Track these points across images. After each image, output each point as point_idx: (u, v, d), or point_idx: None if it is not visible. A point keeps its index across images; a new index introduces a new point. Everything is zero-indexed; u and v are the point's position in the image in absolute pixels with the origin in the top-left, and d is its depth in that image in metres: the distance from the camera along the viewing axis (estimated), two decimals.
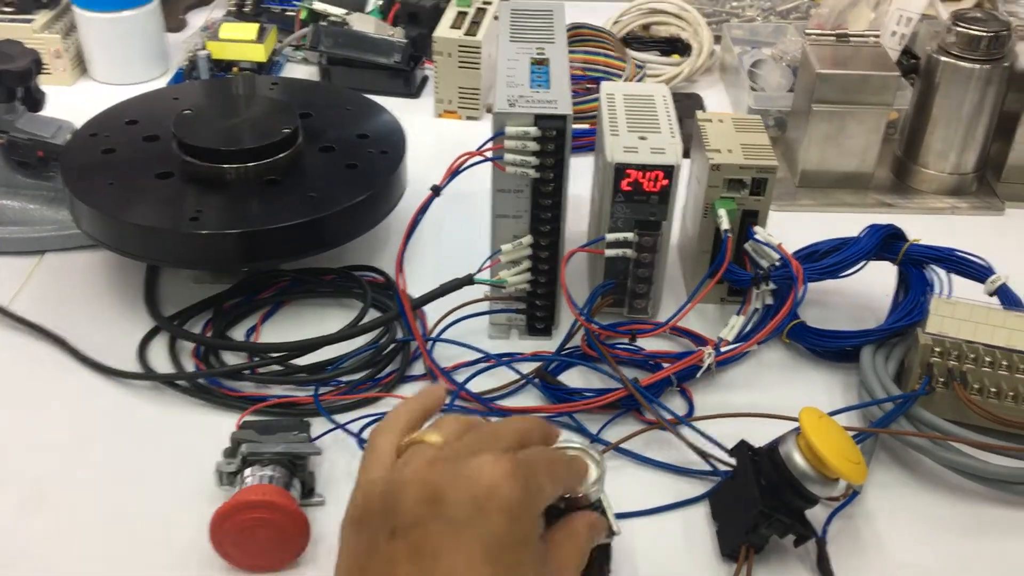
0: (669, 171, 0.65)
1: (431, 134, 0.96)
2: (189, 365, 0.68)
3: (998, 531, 0.58)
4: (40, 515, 0.58)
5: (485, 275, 0.67)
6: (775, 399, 0.66)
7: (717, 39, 1.09)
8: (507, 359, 0.68)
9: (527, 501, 0.40)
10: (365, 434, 0.61)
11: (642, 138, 0.67)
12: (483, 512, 0.38)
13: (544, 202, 0.65)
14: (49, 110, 0.84)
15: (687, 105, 0.96)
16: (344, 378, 0.66)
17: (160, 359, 0.68)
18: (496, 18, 0.91)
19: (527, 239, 0.66)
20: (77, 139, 0.77)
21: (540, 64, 0.68)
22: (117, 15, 1.01)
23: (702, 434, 0.62)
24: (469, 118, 1.00)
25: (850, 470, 0.51)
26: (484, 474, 0.39)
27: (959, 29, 0.82)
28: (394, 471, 0.41)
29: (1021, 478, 0.58)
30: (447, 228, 0.81)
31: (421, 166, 0.78)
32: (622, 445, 0.62)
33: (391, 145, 0.77)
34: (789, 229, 0.72)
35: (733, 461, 0.59)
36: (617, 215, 0.68)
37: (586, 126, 0.90)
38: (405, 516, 0.39)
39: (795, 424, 0.55)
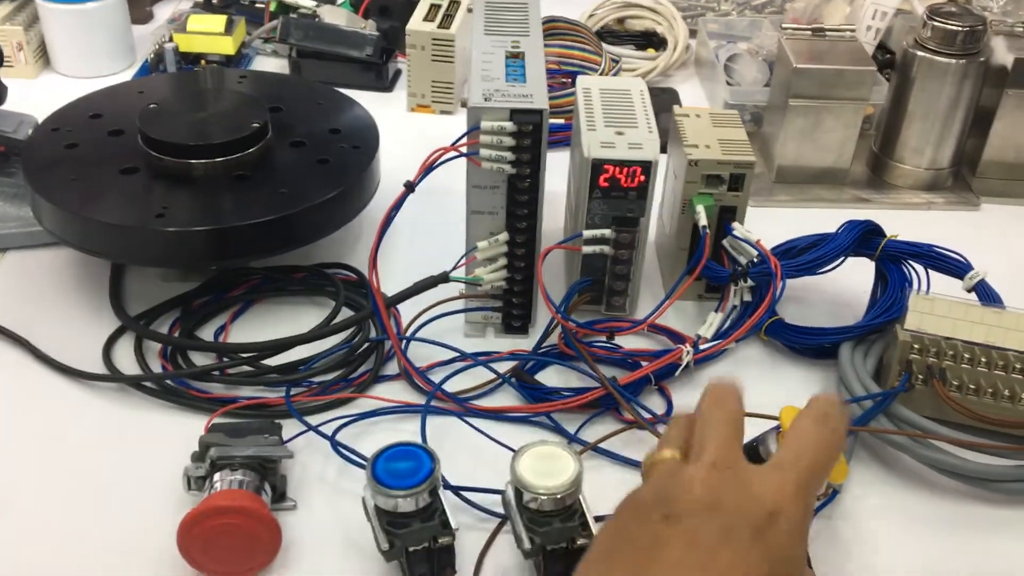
0: (647, 167, 0.64)
1: (404, 129, 0.95)
2: (156, 366, 0.66)
3: (978, 528, 0.58)
4: (3, 520, 0.56)
5: (460, 272, 0.66)
6: (754, 396, 0.63)
7: (692, 33, 1.08)
8: (483, 358, 0.67)
9: (806, 521, 0.42)
10: (338, 437, 0.59)
11: (619, 133, 0.66)
12: (767, 529, 0.40)
13: (520, 198, 0.63)
14: (11, 104, 0.82)
15: (663, 100, 0.95)
16: (316, 379, 0.65)
17: (126, 360, 0.66)
18: (470, 10, 0.90)
19: (503, 236, 0.65)
20: (39, 133, 0.75)
21: (515, 58, 0.67)
22: (81, 7, 0.99)
23: None
24: (443, 112, 0.98)
25: (835, 468, 0.51)
26: (768, 493, 0.41)
27: (935, 24, 0.82)
28: (675, 472, 0.43)
29: (1001, 475, 0.58)
30: (421, 225, 0.79)
31: (394, 161, 0.76)
32: (600, 445, 0.61)
33: (363, 140, 0.76)
34: (766, 225, 0.71)
35: None
36: (594, 211, 0.67)
37: (561, 121, 0.89)
38: (685, 507, 0.40)
39: (775, 422, 0.55)
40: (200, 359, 0.66)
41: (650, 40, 1.09)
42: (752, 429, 0.54)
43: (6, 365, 0.66)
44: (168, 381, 0.64)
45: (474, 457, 0.60)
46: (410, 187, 0.63)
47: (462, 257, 0.66)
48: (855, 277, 0.71)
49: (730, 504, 0.40)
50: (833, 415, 0.44)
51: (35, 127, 0.76)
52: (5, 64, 0.89)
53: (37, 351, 0.66)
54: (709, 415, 0.45)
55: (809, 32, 0.86)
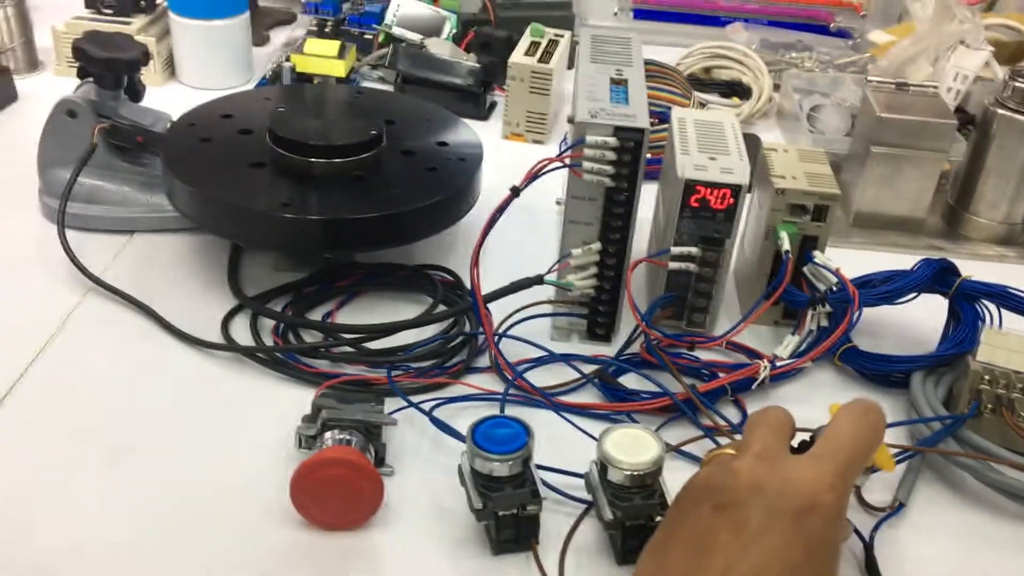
0: (737, 190, 0.69)
1: (498, 154, 1.01)
2: (268, 341, 0.71)
3: None
4: (127, 471, 0.61)
5: (553, 277, 0.71)
6: (824, 417, 0.68)
7: (776, 86, 1.13)
8: (570, 358, 0.71)
9: (842, 509, 0.46)
10: (436, 413, 0.64)
11: (712, 158, 0.71)
12: (805, 515, 0.44)
13: (616, 210, 0.68)
14: (145, 103, 0.90)
15: (746, 143, 0.99)
16: (413, 364, 0.70)
17: (243, 333, 0.72)
18: (576, 42, 0.96)
19: (596, 245, 0.70)
20: (178, 127, 0.82)
21: (618, 84, 0.72)
22: (209, 23, 1.08)
23: None
24: (535, 141, 1.04)
25: (880, 455, 0.53)
26: (806, 480, 0.46)
27: (1016, 84, 0.86)
28: (725, 462, 0.48)
29: None
30: (511, 237, 0.84)
31: (487, 183, 0.82)
32: (681, 448, 0.65)
33: (468, 153, 0.82)
34: (842, 263, 0.74)
35: None
36: (683, 230, 0.71)
37: (649, 156, 0.93)
38: (731, 496, 0.45)
39: None
40: (308, 339, 0.72)
41: (735, 89, 1.14)
42: None
43: (134, 332, 0.72)
44: (279, 354, 0.69)
45: (555, 447, 0.63)
46: (516, 191, 0.68)
47: (556, 262, 0.71)
48: (926, 314, 0.74)
49: (772, 490, 0.45)
50: (872, 410, 0.50)
51: (173, 122, 0.83)
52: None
53: (163, 320, 0.72)
54: (757, 419, 0.51)
55: (893, 86, 0.91)
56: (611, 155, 0.66)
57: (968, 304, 0.72)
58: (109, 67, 0.81)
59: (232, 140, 0.80)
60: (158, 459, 0.62)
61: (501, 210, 0.68)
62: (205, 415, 0.66)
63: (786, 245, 0.71)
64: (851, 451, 0.48)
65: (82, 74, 0.84)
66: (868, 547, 0.58)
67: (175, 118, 0.84)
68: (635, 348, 0.72)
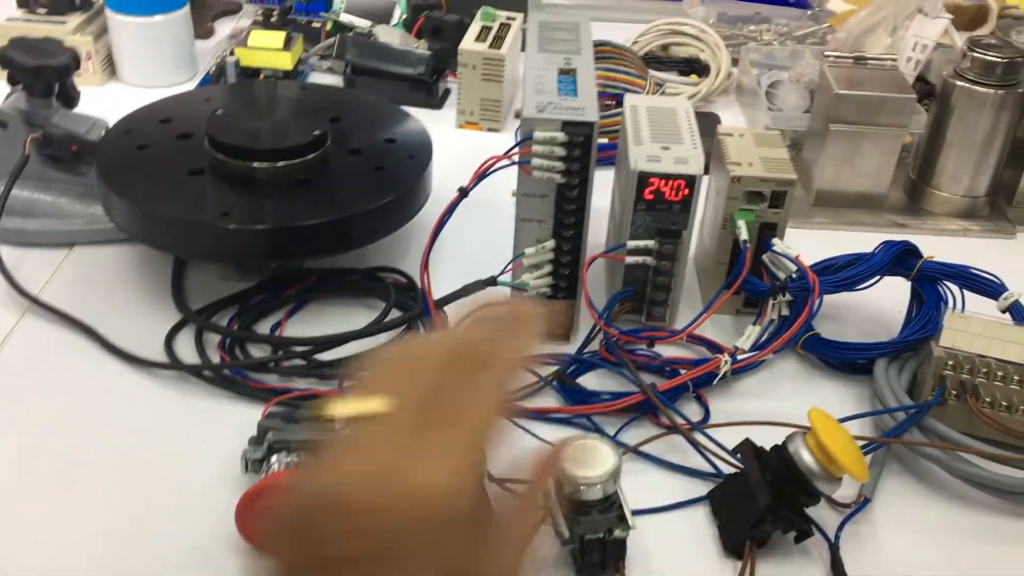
0: (691, 181, 0.67)
1: (453, 144, 0.98)
2: (215, 357, 0.69)
3: (1007, 541, 0.59)
4: (68, 496, 0.59)
5: (507, 277, 0.69)
6: (787, 407, 0.67)
7: (734, 61, 1.11)
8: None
9: (469, 504, 0.35)
10: None
11: (665, 148, 0.69)
12: (424, 535, 0.33)
13: (568, 207, 0.66)
14: (81, 108, 0.86)
15: (704, 123, 0.96)
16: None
17: (186, 350, 0.70)
18: (525, 29, 0.93)
19: (550, 243, 0.68)
20: (112, 135, 0.79)
21: (567, 74, 0.70)
22: (149, 19, 1.04)
23: (713, 440, 0.63)
24: (490, 129, 1.01)
25: (857, 467, 0.53)
26: (424, 487, 0.33)
27: (975, 55, 0.84)
28: (332, 465, 0.35)
29: None
30: (468, 234, 0.82)
31: (442, 174, 0.80)
32: (640, 449, 0.63)
33: (417, 150, 0.79)
34: (803, 246, 0.73)
35: (737, 464, 0.60)
36: (638, 223, 0.69)
37: (605, 141, 0.91)
38: (342, 546, 0.33)
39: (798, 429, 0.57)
40: (256, 352, 0.69)
41: (693, 67, 1.12)
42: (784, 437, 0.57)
43: (72, 352, 0.70)
44: (226, 371, 0.67)
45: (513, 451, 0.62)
46: (464, 192, 0.66)
47: (509, 262, 0.68)
48: (889, 297, 0.73)
49: (386, 509, 0.33)
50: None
51: (108, 129, 0.80)
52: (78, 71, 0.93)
53: (104, 340, 0.69)
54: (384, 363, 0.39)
55: (851, 60, 0.89)
56: (560, 151, 0.64)
57: (930, 286, 0.71)
58: (38, 75, 0.78)
59: (170, 146, 0.77)
60: (103, 484, 0.60)
61: (449, 212, 0.66)
62: (151, 437, 0.63)
63: (744, 235, 0.70)
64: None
65: (11, 81, 0.80)
66: (834, 546, 0.56)
67: (112, 124, 0.81)
68: (595, 346, 0.71)
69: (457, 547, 0.34)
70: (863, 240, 0.76)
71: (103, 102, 0.96)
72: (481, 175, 0.65)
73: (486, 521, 0.37)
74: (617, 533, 0.53)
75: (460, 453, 0.35)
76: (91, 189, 0.80)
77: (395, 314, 0.73)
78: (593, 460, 0.54)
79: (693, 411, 0.67)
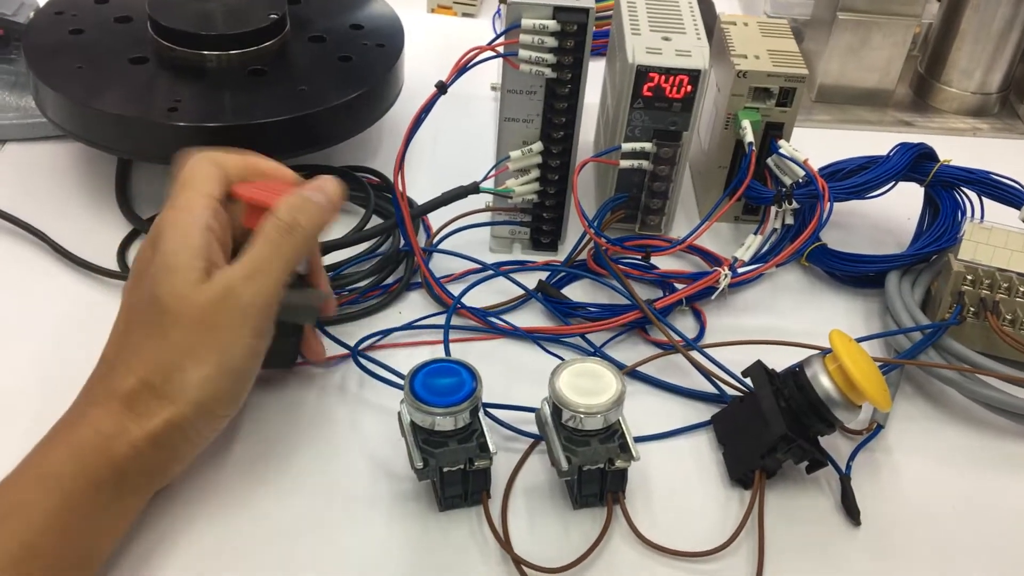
0: (695, 76, 0.60)
1: (424, 31, 0.90)
2: None
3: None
4: (19, 410, 0.53)
5: (490, 184, 0.62)
6: (792, 324, 0.63)
7: None
8: (507, 269, 0.64)
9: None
10: (372, 351, 0.57)
11: (666, 39, 0.62)
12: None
13: (559, 105, 0.59)
14: None
15: (700, 10, 0.90)
16: (347, 288, 0.62)
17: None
18: None
19: (537, 146, 0.61)
20: (41, 17, 0.70)
21: None
22: None
23: (711, 359, 0.58)
24: (465, 15, 0.93)
25: (881, 396, 0.48)
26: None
27: None
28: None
29: None
30: (444, 133, 0.75)
31: (412, 64, 0.72)
32: (635, 369, 0.59)
33: (387, 38, 0.71)
34: (804, 145, 0.67)
35: (743, 385, 0.56)
36: (635, 123, 0.63)
37: (594, 28, 0.84)
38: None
39: (816, 351, 0.52)
40: None
41: None
42: (788, 357, 0.53)
43: (18, 259, 0.63)
44: None
45: (502, 374, 0.57)
46: (442, 88, 0.59)
47: (493, 167, 0.62)
48: (898, 203, 0.68)
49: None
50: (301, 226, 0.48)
51: (37, 10, 0.71)
52: None
53: (57, 246, 0.63)
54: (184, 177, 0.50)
55: None
56: (551, 41, 0.57)
57: (946, 192, 0.65)
58: None
59: (108, 31, 0.68)
60: (55, 402, 0.53)
61: (426, 110, 0.59)
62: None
63: (749, 136, 0.64)
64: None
65: None
66: (845, 477, 0.53)
67: (43, 2, 0.72)
68: (584, 256, 0.65)
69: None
70: (867, 139, 0.71)
71: None
72: (462, 68, 0.58)
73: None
74: (619, 464, 0.48)
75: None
76: (22, 78, 0.72)
77: (375, 220, 0.66)
78: (594, 386, 0.49)
79: (687, 326, 0.63)
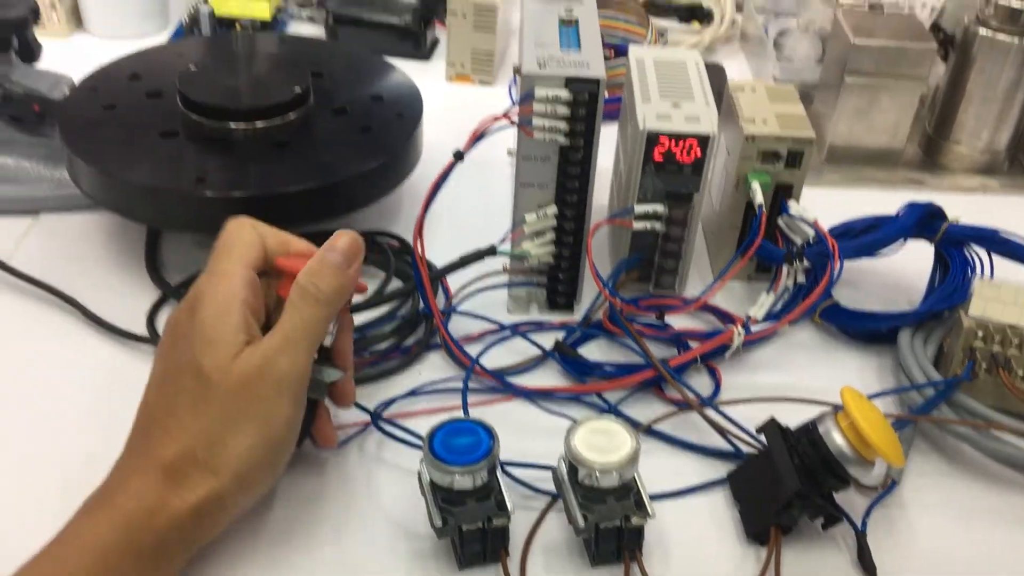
0: (705, 141, 0.62)
1: (442, 98, 0.93)
2: None
3: None
4: (52, 471, 0.54)
5: (507, 246, 0.64)
6: (805, 381, 0.64)
7: (738, 7, 1.05)
8: (524, 330, 0.65)
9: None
10: (392, 409, 0.58)
11: (675, 105, 0.64)
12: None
13: (572, 170, 0.61)
14: (43, 64, 0.80)
15: (710, 77, 0.92)
16: (367, 350, 0.63)
17: None
18: None
19: (552, 209, 0.63)
20: (77, 93, 0.73)
21: (569, 24, 0.65)
22: None
23: (726, 416, 0.59)
24: (482, 82, 0.96)
25: (893, 451, 0.49)
26: None
27: (998, 2, 0.79)
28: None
29: None
30: (463, 197, 0.77)
31: (432, 131, 0.75)
32: (651, 427, 0.59)
33: (407, 108, 0.74)
34: (815, 206, 0.68)
35: (757, 442, 0.56)
36: (646, 186, 0.64)
37: (606, 94, 0.86)
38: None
39: (827, 407, 0.53)
40: None
41: (695, 13, 1.06)
42: (802, 414, 0.53)
43: (50, 325, 0.65)
44: None
45: (520, 433, 0.58)
46: (459, 156, 0.61)
47: (509, 230, 0.64)
48: (909, 261, 0.69)
49: None
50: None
51: (72, 87, 0.75)
52: (38, 23, 0.87)
53: (89, 312, 0.65)
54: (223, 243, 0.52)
55: (866, 7, 0.84)
56: (564, 110, 0.59)
57: (956, 250, 0.66)
58: None
59: (140, 106, 0.71)
60: (79, 468, 0.55)
61: (444, 177, 0.61)
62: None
63: (759, 198, 0.65)
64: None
65: None
66: (861, 534, 0.53)
67: (77, 81, 0.75)
68: (600, 316, 0.66)
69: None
70: (878, 199, 0.72)
71: (68, 56, 0.91)
72: (478, 137, 0.60)
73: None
74: (635, 521, 0.49)
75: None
76: (57, 152, 0.75)
77: (395, 282, 0.68)
78: (608, 443, 0.50)
79: (702, 384, 0.63)
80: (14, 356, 0.63)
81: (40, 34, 0.78)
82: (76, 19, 1.01)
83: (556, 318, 0.68)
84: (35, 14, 0.74)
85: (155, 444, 0.46)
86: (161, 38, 1.01)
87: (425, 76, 0.95)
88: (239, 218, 0.52)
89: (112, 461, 0.48)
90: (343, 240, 0.51)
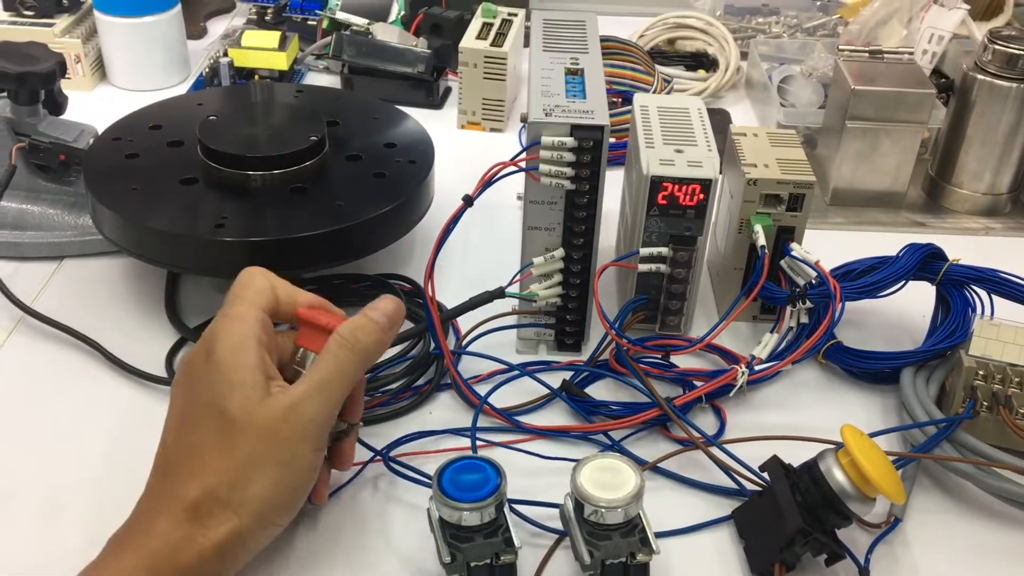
0: (707, 185, 0.64)
1: (454, 145, 0.95)
2: None
3: None
4: (63, 521, 0.56)
5: (515, 288, 0.66)
6: (809, 420, 0.65)
7: (743, 55, 1.08)
8: (531, 369, 0.66)
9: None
10: (402, 449, 0.59)
11: (678, 151, 0.66)
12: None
13: (578, 214, 0.63)
14: (69, 115, 0.83)
15: (715, 121, 0.94)
16: (380, 390, 0.65)
17: None
18: (528, 25, 0.90)
19: (559, 252, 0.65)
20: (100, 143, 0.76)
21: (574, 74, 0.67)
22: (138, 20, 1.01)
23: (730, 454, 0.60)
24: (493, 130, 0.98)
25: (893, 488, 0.50)
26: None
27: (996, 47, 0.81)
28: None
29: None
30: (472, 240, 0.79)
31: (444, 176, 0.77)
32: (656, 465, 0.61)
33: (419, 154, 0.76)
34: (820, 247, 0.70)
35: (761, 480, 0.57)
36: (651, 229, 0.66)
37: (613, 140, 0.88)
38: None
39: (831, 446, 0.54)
40: None
41: (700, 61, 1.09)
42: (806, 452, 0.54)
43: (72, 367, 0.67)
44: None
45: (527, 471, 0.59)
46: (469, 201, 0.63)
47: (518, 273, 0.66)
48: (912, 301, 0.70)
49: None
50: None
51: (96, 136, 0.77)
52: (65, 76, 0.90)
53: (109, 354, 0.67)
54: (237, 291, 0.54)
55: (866, 54, 0.86)
56: (569, 156, 0.61)
57: (957, 291, 0.68)
58: (22, 82, 0.75)
59: (161, 154, 0.74)
60: (100, 502, 0.56)
61: (454, 221, 0.63)
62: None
63: (761, 240, 0.67)
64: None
65: None
66: (864, 571, 0.54)
67: (101, 131, 0.78)
68: (605, 356, 0.68)
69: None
70: (881, 240, 0.73)
71: (93, 107, 0.94)
72: (487, 182, 0.62)
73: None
74: (640, 557, 0.50)
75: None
76: (81, 199, 0.78)
77: (406, 324, 0.69)
78: (613, 481, 0.51)
79: (707, 422, 0.64)
80: (37, 397, 0.65)
81: (66, 86, 0.81)
82: (100, 72, 1.05)
83: (564, 358, 0.69)
84: (62, 68, 0.77)
85: (178, 484, 0.47)
86: (182, 89, 1.04)
87: (438, 124, 0.98)
88: (252, 267, 0.53)
89: (134, 499, 0.49)
90: (388, 304, 0.53)
